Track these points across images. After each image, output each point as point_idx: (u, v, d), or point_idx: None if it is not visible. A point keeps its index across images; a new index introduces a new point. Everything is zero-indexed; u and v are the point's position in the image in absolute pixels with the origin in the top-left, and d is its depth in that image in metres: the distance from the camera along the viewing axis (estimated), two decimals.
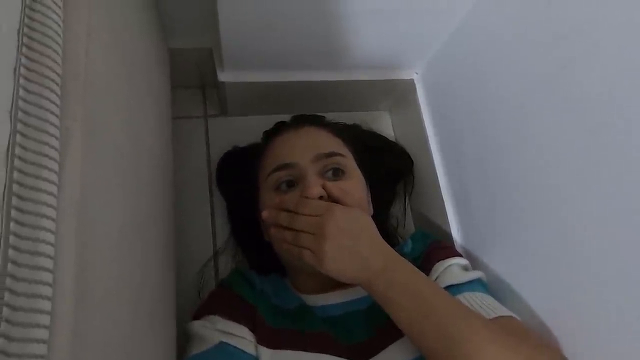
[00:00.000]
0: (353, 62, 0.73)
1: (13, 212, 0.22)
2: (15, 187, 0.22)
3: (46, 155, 0.23)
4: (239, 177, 0.72)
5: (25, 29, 0.25)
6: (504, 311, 0.52)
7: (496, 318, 0.50)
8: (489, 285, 0.60)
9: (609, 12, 0.43)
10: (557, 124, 0.49)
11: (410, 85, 0.80)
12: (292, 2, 0.58)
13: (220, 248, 0.75)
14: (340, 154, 0.62)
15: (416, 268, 0.51)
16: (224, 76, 0.71)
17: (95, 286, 0.28)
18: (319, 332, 0.55)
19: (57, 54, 0.26)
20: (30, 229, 0.22)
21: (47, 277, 0.22)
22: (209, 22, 0.63)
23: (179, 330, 0.54)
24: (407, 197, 0.82)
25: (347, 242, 0.50)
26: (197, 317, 0.55)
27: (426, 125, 0.76)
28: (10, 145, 0.23)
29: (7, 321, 0.20)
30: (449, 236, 0.70)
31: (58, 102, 0.25)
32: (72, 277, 0.24)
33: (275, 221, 0.57)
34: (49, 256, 0.22)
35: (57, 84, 0.25)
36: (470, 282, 0.57)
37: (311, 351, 0.52)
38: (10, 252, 0.21)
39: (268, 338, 0.54)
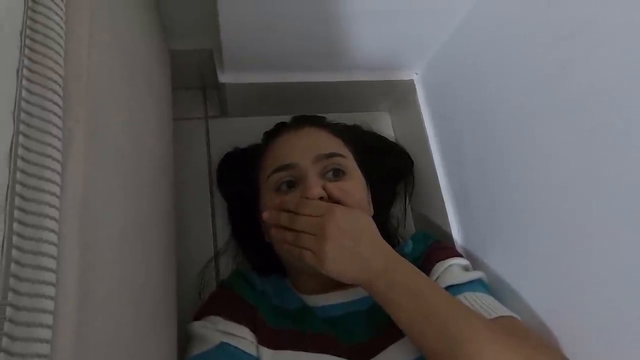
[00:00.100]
0: (353, 63, 0.73)
1: (16, 213, 0.22)
2: (18, 187, 0.22)
3: (49, 156, 0.23)
4: (240, 178, 0.72)
5: (28, 31, 0.25)
6: (504, 311, 0.52)
7: (497, 318, 0.50)
8: (489, 286, 0.60)
9: (609, 12, 0.43)
10: (557, 124, 0.49)
11: (410, 86, 0.80)
12: (293, 3, 0.58)
13: (220, 249, 0.75)
14: (340, 155, 0.62)
15: (417, 268, 0.51)
16: (224, 77, 0.71)
17: (97, 287, 0.28)
18: (320, 332, 0.55)
19: (60, 55, 0.26)
20: (33, 229, 0.22)
21: (50, 277, 0.22)
22: (210, 23, 0.63)
23: (180, 331, 0.54)
24: (407, 198, 0.82)
25: (348, 242, 0.50)
26: (197, 317, 0.55)
27: (426, 126, 0.76)
28: (13, 146, 0.23)
29: (11, 321, 0.21)
30: (449, 236, 0.70)
31: (60, 103, 0.25)
32: (74, 277, 0.24)
33: (276, 222, 0.57)
34: (51, 256, 0.22)
35: (59, 85, 0.25)
36: (470, 282, 0.57)
37: (312, 351, 0.52)
38: (14, 252, 0.21)
39: (269, 339, 0.54)
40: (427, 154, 0.75)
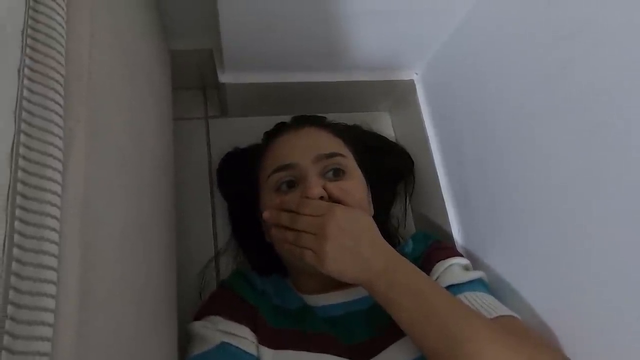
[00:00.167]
0: (353, 63, 0.73)
1: (17, 211, 0.22)
2: (19, 186, 0.22)
3: (50, 155, 0.23)
4: (240, 178, 0.72)
5: (29, 30, 0.25)
6: (504, 311, 0.52)
7: (497, 317, 0.50)
8: (490, 285, 0.60)
9: (609, 12, 0.43)
10: (557, 124, 0.49)
11: (410, 86, 0.80)
12: (293, 3, 0.58)
13: (221, 249, 0.75)
14: (340, 155, 0.62)
15: (417, 268, 0.51)
16: (224, 77, 0.71)
17: (98, 285, 0.28)
18: (321, 332, 0.55)
19: (61, 54, 0.26)
20: (34, 227, 0.22)
21: (52, 275, 0.22)
22: (210, 23, 0.63)
23: (180, 331, 0.54)
24: (407, 198, 0.83)
25: (348, 242, 0.50)
26: (198, 317, 0.55)
27: (426, 126, 0.76)
28: (15, 145, 0.23)
29: (12, 319, 0.21)
30: (449, 236, 0.70)
31: (62, 102, 0.25)
32: (76, 275, 0.24)
33: (276, 221, 0.57)
34: (53, 255, 0.22)
35: (60, 85, 0.25)
36: (471, 281, 0.57)
37: (312, 351, 0.52)
38: (15, 250, 0.21)
39: (269, 338, 0.54)
40: (427, 154, 0.75)
